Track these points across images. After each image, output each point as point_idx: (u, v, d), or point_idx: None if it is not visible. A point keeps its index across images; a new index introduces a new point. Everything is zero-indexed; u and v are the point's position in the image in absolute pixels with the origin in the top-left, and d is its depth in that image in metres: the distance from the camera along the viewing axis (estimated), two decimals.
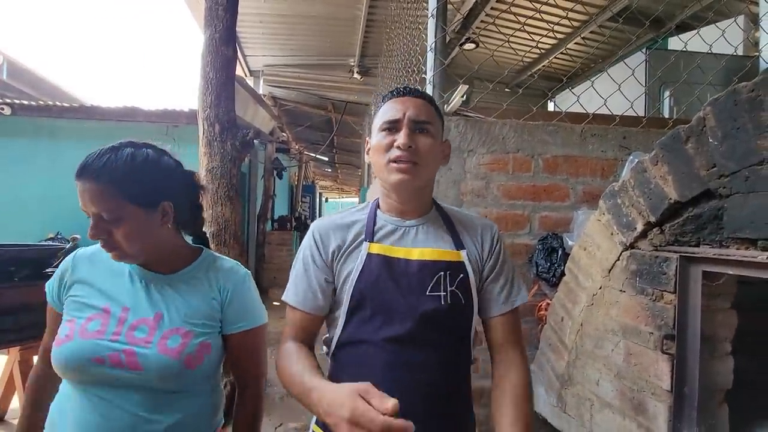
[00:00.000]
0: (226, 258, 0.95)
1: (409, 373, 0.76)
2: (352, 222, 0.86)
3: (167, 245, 0.86)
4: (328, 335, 0.86)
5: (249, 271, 0.93)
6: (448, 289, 0.79)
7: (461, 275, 0.80)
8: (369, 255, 0.80)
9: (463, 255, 0.82)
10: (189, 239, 0.96)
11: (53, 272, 1.48)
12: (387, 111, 0.82)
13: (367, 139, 0.89)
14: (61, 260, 1.46)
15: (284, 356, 0.79)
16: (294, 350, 0.79)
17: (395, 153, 0.78)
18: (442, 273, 0.79)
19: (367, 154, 0.88)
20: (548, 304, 1.37)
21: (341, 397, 0.59)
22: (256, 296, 0.93)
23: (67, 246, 1.50)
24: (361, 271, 0.79)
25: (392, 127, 0.80)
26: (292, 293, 0.84)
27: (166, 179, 0.83)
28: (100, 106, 4.60)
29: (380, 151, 0.80)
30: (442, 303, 0.78)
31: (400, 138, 0.78)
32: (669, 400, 0.89)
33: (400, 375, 0.76)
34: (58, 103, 4.79)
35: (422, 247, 0.82)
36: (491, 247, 0.86)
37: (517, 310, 0.87)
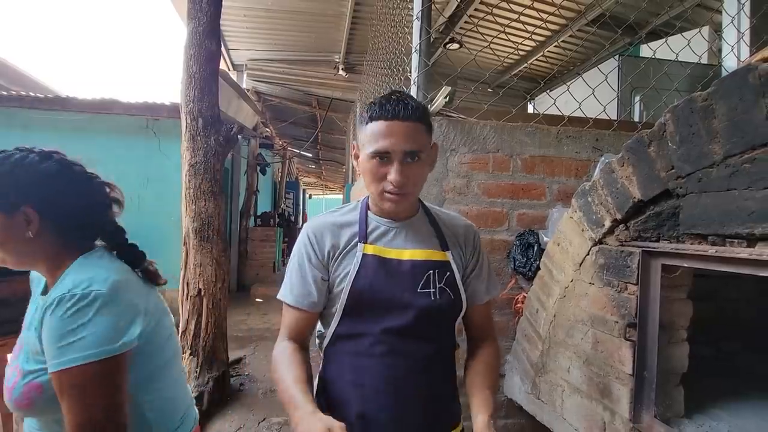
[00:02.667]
0: (75, 271, 0.74)
1: (403, 361, 0.83)
2: (345, 223, 0.90)
3: (40, 257, 0.76)
4: (321, 330, 0.90)
5: (78, 294, 0.68)
6: (437, 285, 0.85)
7: (448, 273, 0.87)
8: (364, 255, 0.85)
9: (448, 255, 0.89)
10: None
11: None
12: (377, 137, 0.80)
13: (354, 143, 0.92)
14: None
15: (279, 357, 0.84)
16: (289, 353, 0.84)
17: (389, 186, 0.81)
18: (431, 272, 0.86)
19: (355, 159, 0.90)
20: (524, 297, 1.45)
21: (315, 429, 0.66)
22: (65, 330, 0.67)
23: None
24: (357, 271, 0.84)
25: (384, 157, 0.81)
26: (288, 292, 0.87)
27: (31, 182, 0.73)
28: (76, 98, 4.46)
29: (373, 179, 0.83)
30: (432, 299, 0.84)
31: (393, 174, 0.80)
32: (631, 384, 0.96)
33: (395, 363, 0.83)
34: (31, 94, 4.62)
35: (412, 248, 0.88)
36: (473, 247, 0.94)
37: (492, 301, 0.97)
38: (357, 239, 0.87)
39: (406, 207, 0.88)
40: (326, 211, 0.96)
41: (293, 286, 0.87)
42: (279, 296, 0.89)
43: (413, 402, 0.83)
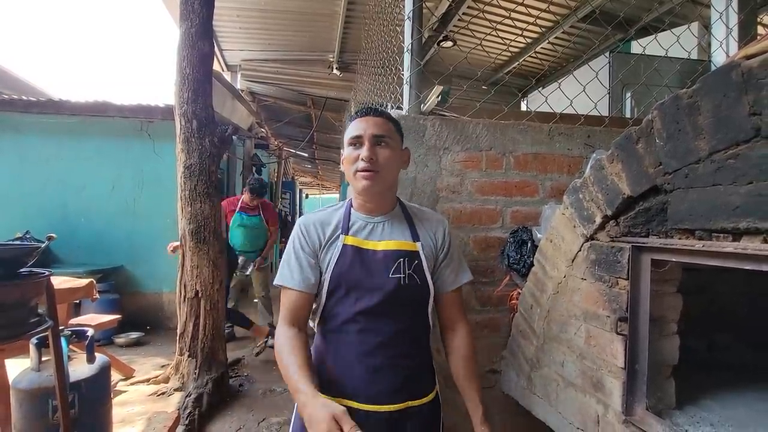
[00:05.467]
0: None
1: (373, 337, 0.99)
2: (331, 219, 1.05)
3: None
4: (314, 308, 1.06)
5: None
6: (406, 272, 0.99)
7: (416, 261, 1.01)
8: (344, 246, 1.01)
9: (418, 245, 1.03)
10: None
11: (29, 272, 1.46)
12: (353, 129, 1.00)
13: (341, 152, 1.06)
14: (38, 259, 1.44)
15: (282, 344, 0.95)
16: (290, 337, 0.95)
17: (361, 164, 0.96)
18: (401, 259, 1.00)
19: (342, 165, 1.05)
20: (519, 293, 1.46)
21: (320, 415, 0.75)
22: None
23: (44, 245, 1.48)
24: (337, 259, 0.99)
25: (357, 142, 0.99)
26: (288, 277, 1.00)
27: None
28: (69, 101, 4.44)
29: (349, 163, 1.00)
30: (401, 283, 0.99)
31: (363, 152, 0.97)
32: (623, 377, 0.97)
33: (366, 339, 0.98)
34: (23, 97, 4.59)
35: (387, 239, 1.02)
36: (443, 239, 1.08)
37: (461, 289, 1.11)
38: (340, 231, 1.02)
39: (378, 189, 0.99)
40: (318, 208, 1.12)
41: (293, 272, 1.00)
42: (278, 282, 1.01)
43: (383, 371, 0.98)
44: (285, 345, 0.93)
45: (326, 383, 1.01)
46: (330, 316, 1.02)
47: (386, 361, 0.98)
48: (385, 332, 0.99)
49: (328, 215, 1.07)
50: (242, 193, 4.07)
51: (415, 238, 1.04)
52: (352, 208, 1.07)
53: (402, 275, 0.99)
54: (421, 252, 1.02)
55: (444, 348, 1.11)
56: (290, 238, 1.05)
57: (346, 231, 1.02)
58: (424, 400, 1.04)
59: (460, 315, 1.10)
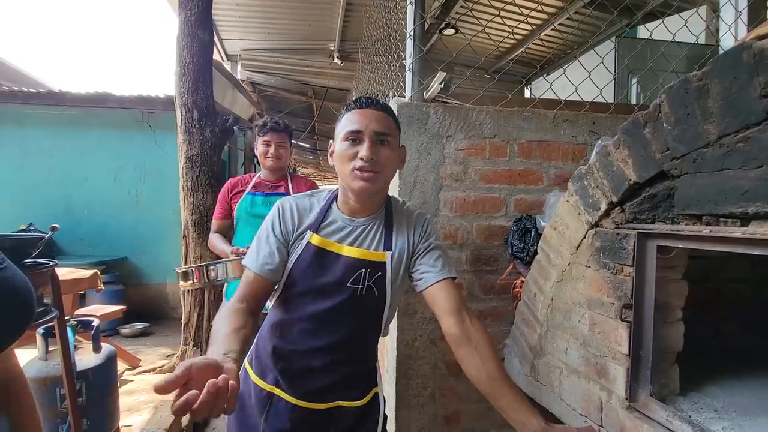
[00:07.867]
0: None
1: (317, 340, 0.96)
2: (313, 209, 0.99)
3: None
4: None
5: None
6: (365, 283, 0.95)
7: (379, 273, 0.96)
8: (308, 243, 0.95)
9: (387, 256, 0.97)
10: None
11: (33, 262, 1.47)
12: (351, 121, 0.92)
13: (331, 142, 0.98)
14: (41, 249, 1.45)
15: (222, 311, 0.92)
16: (232, 310, 0.89)
17: (359, 163, 0.89)
18: (363, 270, 0.95)
19: (331, 157, 0.97)
20: (522, 281, 1.46)
21: None
22: None
23: (47, 235, 1.49)
24: (298, 256, 0.95)
25: (356, 137, 0.91)
26: (252, 258, 0.96)
27: None
28: (70, 92, 4.42)
29: (345, 160, 0.91)
30: (358, 294, 0.94)
31: (364, 150, 0.89)
32: (627, 363, 0.97)
33: (311, 340, 0.96)
34: (24, 89, 4.57)
35: (355, 246, 0.97)
36: (422, 232, 1.02)
37: (454, 283, 1.00)
38: (309, 228, 0.97)
39: (375, 191, 0.93)
40: (303, 193, 1.05)
41: (259, 254, 0.95)
42: (244, 262, 0.97)
43: (317, 372, 0.96)
44: (222, 314, 0.89)
45: (262, 368, 1.01)
46: (282, 309, 0.99)
47: (323, 365, 0.96)
48: (329, 338, 0.96)
49: (311, 203, 1.00)
50: (254, 171, 2.61)
51: (387, 247, 0.98)
52: (334, 203, 1.00)
53: (360, 286, 0.94)
54: (388, 263, 0.96)
55: (451, 342, 0.96)
56: (267, 218, 0.99)
57: (315, 228, 0.96)
58: (357, 403, 1.02)
59: (467, 311, 0.96)
